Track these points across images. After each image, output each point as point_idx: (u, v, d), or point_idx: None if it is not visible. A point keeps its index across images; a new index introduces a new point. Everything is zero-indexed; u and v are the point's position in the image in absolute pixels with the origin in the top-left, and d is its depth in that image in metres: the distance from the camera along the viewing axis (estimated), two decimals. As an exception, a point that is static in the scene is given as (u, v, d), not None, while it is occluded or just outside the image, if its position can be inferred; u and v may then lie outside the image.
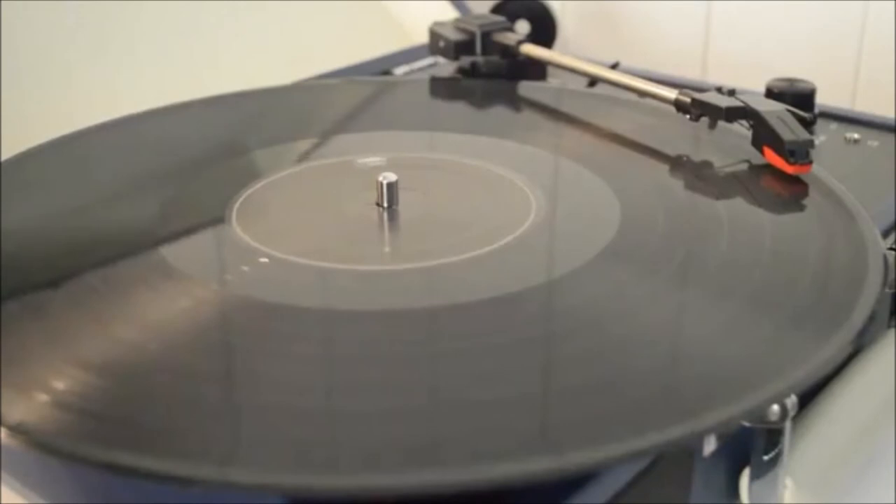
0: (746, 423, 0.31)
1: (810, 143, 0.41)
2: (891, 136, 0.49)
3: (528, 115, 0.51)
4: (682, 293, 0.34)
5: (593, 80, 0.53)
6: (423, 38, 0.58)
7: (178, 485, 0.26)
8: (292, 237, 0.37)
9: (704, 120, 0.45)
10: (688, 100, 0.45)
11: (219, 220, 0.39)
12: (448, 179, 0.43)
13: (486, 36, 0.55)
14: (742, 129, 0.43)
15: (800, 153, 0.40)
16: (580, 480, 0.27)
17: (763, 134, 0.42)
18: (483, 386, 0.29)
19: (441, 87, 0.53)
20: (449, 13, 0.65)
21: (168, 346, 0.31)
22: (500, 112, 0.51)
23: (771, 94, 0.48)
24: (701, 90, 0.46)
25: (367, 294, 0.34)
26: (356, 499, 0.25)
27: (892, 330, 0.36)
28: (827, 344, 0.30)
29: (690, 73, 0.67)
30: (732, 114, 0.43)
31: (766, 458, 0.32)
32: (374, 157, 0.44)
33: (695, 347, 0.31)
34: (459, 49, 0.55)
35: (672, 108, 0.46)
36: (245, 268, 0.35)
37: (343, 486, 0.25)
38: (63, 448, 0.27)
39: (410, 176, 0.40)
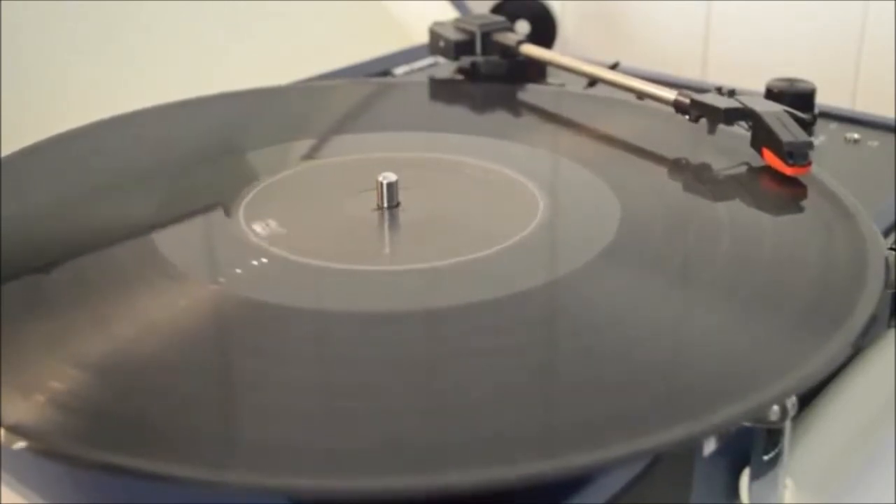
0: (746, 423, 0.31)
1: (809, 145, 0.41)
2: (891, 136, 0.49)
3: (528, 116, 0.51)
4: (682, 294, 0.34)
5: (593, 81, 0.53)
6: (423, 38, 0.58)
7: (177, 485, 0.26)
8: (292, 237, 0.37)
9: (704, 121, 0.44)
10: (687, 101, 0.45)
11: (219, 219, 0.39)
12: (448, 180, 0.43)
13: (486, 36, 0.55)
14: (742, 129, 0.43)
15: (798, 154, 0.40)
16: (580, 480, 0.27)
17: (762, 135, 0.42)
18: (483, 386, 0.29)
19: (441, 88, 0.53)
20: (449, 13, 0.65)
21: (169, 346, 0.31)
22: (500, 113, 0.51)
23: (771, 94, 0.48)
24: (701, 90, 0.45)
25: (366, 295, 0.34)
26: (353, 500, 0.25)
27: (893, 330, 0.36)
28: (827, 344, 0.30)
29: (690, 73, 0.67)
30: (731, 115, 0.43)
31: (766, 458, 0.32)
32: (377, 154, 0.44)
33: (695, 348, 0.31)
34: (459, 49, 0.55)
35: (672, 109, 0.46)
36: (244, 268, 0.35)
37: (340, 488, 0.25)
38: (60, 449, 0.27)
39: (410, 176, 0.40)
